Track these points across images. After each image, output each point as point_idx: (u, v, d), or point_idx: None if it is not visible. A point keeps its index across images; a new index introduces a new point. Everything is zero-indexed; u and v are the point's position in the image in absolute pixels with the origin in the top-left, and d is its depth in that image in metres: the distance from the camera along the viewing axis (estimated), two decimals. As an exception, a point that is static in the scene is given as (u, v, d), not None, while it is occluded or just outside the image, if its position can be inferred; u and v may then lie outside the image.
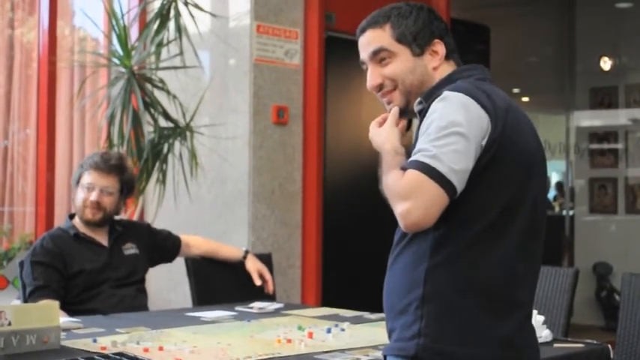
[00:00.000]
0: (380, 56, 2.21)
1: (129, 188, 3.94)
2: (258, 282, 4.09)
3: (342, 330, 3.10)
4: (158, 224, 4.40)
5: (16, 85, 5.81)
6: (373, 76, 2.22)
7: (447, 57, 2.23)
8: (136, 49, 4.90)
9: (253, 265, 4.13)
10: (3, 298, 5.20)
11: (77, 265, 3.73)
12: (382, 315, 2.19)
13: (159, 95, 4.97)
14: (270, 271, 4.21)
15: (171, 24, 4.91)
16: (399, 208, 1.94)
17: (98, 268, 3.76)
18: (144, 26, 5.13)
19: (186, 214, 5.34)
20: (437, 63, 2.20)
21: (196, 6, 4.97)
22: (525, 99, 9.90)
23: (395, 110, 2.20)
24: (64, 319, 3.10)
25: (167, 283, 5.38)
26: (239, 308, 3.66)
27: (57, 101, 5.61)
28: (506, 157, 2.02)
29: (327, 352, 2.70)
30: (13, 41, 5.87)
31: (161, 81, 4.97)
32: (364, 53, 2.25)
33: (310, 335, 2.95)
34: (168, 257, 4.14)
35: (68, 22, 6.04)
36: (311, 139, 5.49)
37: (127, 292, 3.80)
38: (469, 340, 2.00)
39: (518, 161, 2.05)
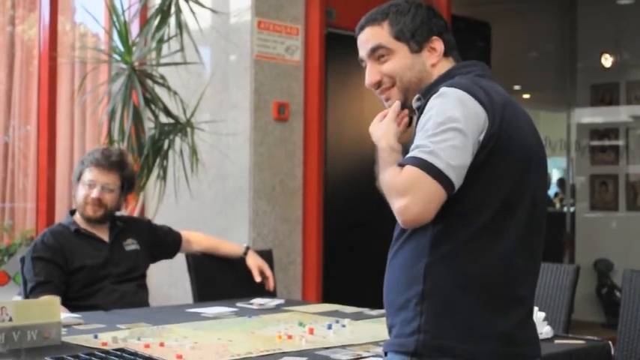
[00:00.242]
0: (378, 53, 2.21)
1: (130, 184, 3.95)
2: (258, 278, 4.09)
3: (343, 326, 3.10)
4: (159, 220, 4.40)
5: (16, 82, 5.81)
6: (371, 74, 2.23)
7: (446, 54, 2.23)
8: (136, 45, 4.90)
9: (254, 262, 4.13)
10: (4, 294, 5.20)
11: (78, 260, 3.73)
12: (383, 311, 2.19)
13: (159, 91, 4.97)
14: (271, 267, 4.21)
15: (172, 20, 4.90)
16: (397, 204, 1.94)
17: (99, 264, 3.76)
18: (144, 22, 5.13)
19: (186, 210, 5.35)
20: (435, 60, 2.21)
21: (197, 2, 4.97)
22: (526, 96, 9.89)
23: (396, 105, 2.21)
24: (65, 315, 3.10)
25: (168, 279, 5.38)
26: (240, 304, 3.66)
27: (58, 97, 5.61)
28: (504, 153, 2.02)
29: (327, 348, 2.71)
30: (14, 38, 5.87)
31: (162, 77, 4.96)
32: (363, 51, 2.26)
33: (311, 331, 2.95)
34: (169, 253, 4.14)
35: (69, 18, 6.04)
36: (312, 136, 5.49)
37: (128, 287, 3.80)
38: (469, 336, 2.00)
39: (517, 157, 2.05)
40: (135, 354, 2.46)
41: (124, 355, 2.45)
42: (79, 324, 3.09)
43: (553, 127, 9.52)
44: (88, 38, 6.19)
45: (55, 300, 2.89)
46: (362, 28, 2.26)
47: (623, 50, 8.61)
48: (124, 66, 4.85)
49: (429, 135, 1.96)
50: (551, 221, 8.91)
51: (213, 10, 5.14)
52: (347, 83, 5.81)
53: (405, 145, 2.09)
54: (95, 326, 3.05)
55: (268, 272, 4.14)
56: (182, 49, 4.88)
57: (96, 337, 2.81)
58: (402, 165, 1.97)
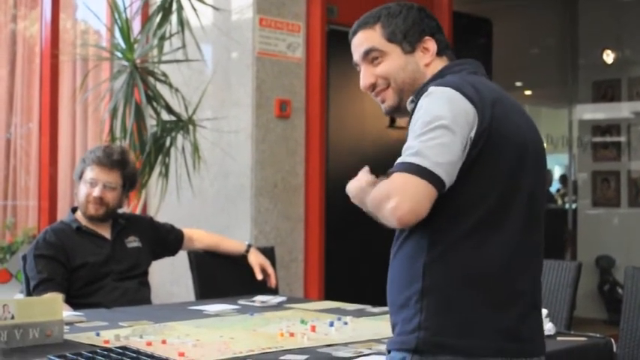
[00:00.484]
0: (372, 56, 2.24)
1: (131, 182, 3.95)
2: (259, 276, 4.09)
3: (345, 323, 3.10)
4: (161, 218, 4.40)
5: (18, 79, 5.81)
6: (366, 76, 2.26)
7: (440, 53, 2.25)
8: (138, 43, 4.90)
9: (256, 259, 4.13)
10: (6, 292, 5.21)
11: (80, 258, 3.74)
12: (385, 308, 2.20)
13: (161, 89, 4.97)
14: (273, 264, 4.21)
15: (174, 17, 4.90)
16: (387, 207, 1.94)
17: (101, 261, 3.76)
18: (146, 19, 5.13)
19: (188, 207, 5.35)
20: (428, 59, 2.23)
21: (199, -1, 4.97)
22: (528, 92, 9.89)
23: (365, 168, 2.23)
24: (67, 313, 3.10)
25: (170, 276, 5.38)
26: (242, 302, 3.67)
27: (59, 95, 5.61)
28: (496, 149, 2.03)
29: (329, 345, 2.71)
30: (15, 35, 5.87)
31: (163, 74, 4.96)
32: (356, 54, 2.28)
33: (313, 329, 2.96)
34: (171, 251, 4.14)
35: (70, 16, 6.04)
36: (313, 133, 5.49)
37: (130, 285, 3.81)
38: (469, 331, 2.01)
39: (510, 152, 2.06)
40: (137, 352, 2.46)
41: (126, 352, 2.45)
42: (81, 322, 3.09)
43: (555, 124, 9.52)
44: (89, 35, 6.19)
45: (57, 298, 2.89)
46: (355, 33, 2.28)
47: (625, 46, 8.61)
48: (126, 63, 4.85)
49: (417, 135, 1.98)
50: (553, 218, 8.98)
51: (214, 8, 5.14)
52: (349, 80, 5.80)
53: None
54: (97, 324, 3.05)
55: (270, 270, 4.14)
56: (184, 47, 4.89)
57: (98, 334, 2.81)
58: (390, 174, 1.98)
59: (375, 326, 3.06)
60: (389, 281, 2.14)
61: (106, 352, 2.45)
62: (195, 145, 4.88)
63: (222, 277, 4.14)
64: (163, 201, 4.95)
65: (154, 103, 4.88)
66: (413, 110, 2.11)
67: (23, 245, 5.43)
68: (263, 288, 4.05)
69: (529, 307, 2.11)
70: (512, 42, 8.58)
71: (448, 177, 1.95)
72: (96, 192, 3.78)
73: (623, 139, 8.48)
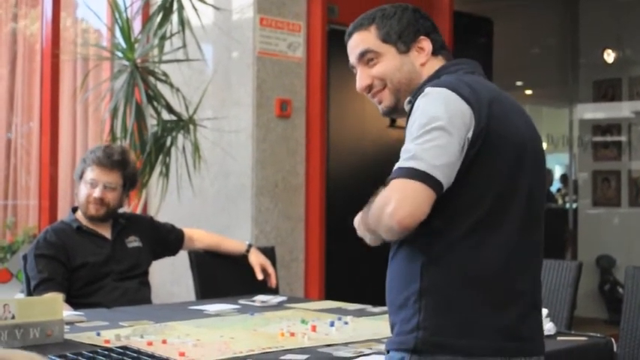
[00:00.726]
0: (367, 57, 2.25)
1: (132, 182, 3.95)
2: (260, 276, 4.09)
3: (346, 323, 3.10)
4: (161, 217, 4.41)
5: (19, 78, 5.81)
6: (362, 78, 2.27)
7: (436, 53, 2.25)
8: (139, 42, 4.90)
9: (256, 259, 4.13)
10: (7, 292, 5.21)
11: (80, 258, 3.74)
12: (385, 308, 2.20)
13: (162, 88, 4.97)
14: (273, 264, 4.21)
15: (175, 17, 4.90)
16: (386, 212, 1.93)
17: (101, 261, 3.76)
18: (147, 19, 5.13)
19: (189, 207, 5.35)
20: (424, 59, 2.23)
21: (199, -1, 4.97)
22: (529, 92, 9.89)
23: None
24: (67, 313, 3.10)
25: (170, 276, 5.38)
26: (242, 302, 3.66)
27: (60, 94, 5.60)
28: (494, 149, 2.03)
29: (330, 345, 2.71)
30: (16, 34, 5.87)
31: (164, 74, 4.96)
32: (352, 56, 2.29)
33: (313, 328, 2.96)
34: (172, 250, 4.14)
35: (71, 15, 6.03)
36: (314, 132, 5.49)
37: (130, 285, 3.81)
38: (468, 331, 2.01)
39: (508, 152, 2.06)
40: (137, 351, 2.46)
41: (126, 352, 2.45)
42: (81, 321, 3.09)
43: (555, 123, 9.52)
44: (90, 35, 6.19)
45: (57, 297, 2.89)
46: (350, 35, 2.30)
47: (626, 46, 8.60)
48: (127, 63, 4.85)
49: (413, 137, 1.98)
50: (554, 217, 8.98)
51: (215, 7, 5.14)
52: (349, 80, 5.76)
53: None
54: (98, 324, 3.05)
55: (270, 270, 4.14)
56: (184, 46, 4.89)
57: (98, 334, 2.81)
58: (388, 182, 1.98)
59: (376, 326, 3.06)
60: (388, 281, 2.15)
61: (106, 352, 2.45)
62: (195, 144, 4.88)
63: (223, 277, 4.14)
64: (164, 201, 4.95)
65: (155, 103, 4.88)
66: (410, 111, 2.11)
67: (24, 245, 5.43)
68: (263, 288, 4.06)
69: (529, 306, 2.11)
70: (512, 42, 8.58)
71: (446, 179, 1.95)
72: (96, 193, 3.78)
73: (623, 138, 8.48)
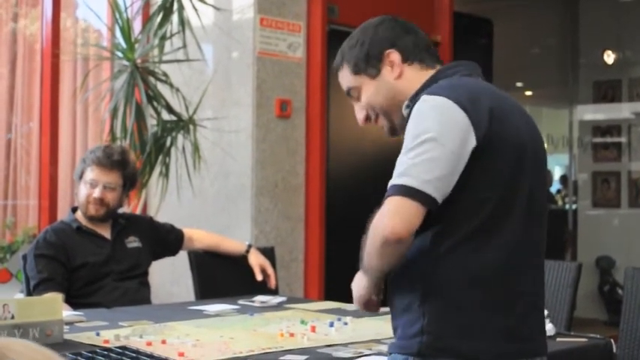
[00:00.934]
0: (352, 94, 2.29)
1: (131, 182, 3.95)
2: (259, 277, 4.09)
3: (345, 324, 3.10)
4: (161, 218, 4.40)
5: (19, 79, 5.81)
6: (358, 112, 2.30)
7: (410, 59, 2.22)
8: (139, 42, 4.90)
9: (256, 260, 4.13)
10: (6, 292, 5.21)
11: (80, 258, 3.73)
12: (385, 309, 2.20)
13: (162, 88, 4.97)
14: (273, 264, 4.21)
15: (175, 17, 4.90)
16: (378, 231, 1.97)
17: (101, 261, 3.76)
18: (147, 19, 5.13)
19: (189, 207, 5.35)
20: (397, 71, 2.22)
21: (199, -1, 4.97)
22: (529, 93, 9.89)
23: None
24: (67, 313, 3.10)
25: (170, 276, 5.38)
26: (242, 302, 3.66)
27: (60, 94, 5.60)
28: (495, 153, 2.03)
29: (329, 345, 2.71)
30: (16, 34, 5.87)
31: (164, 74, 4.96)
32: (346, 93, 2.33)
33: (313, 329, 2.96)
34: (171, 251, 4.14)
35: (71, 15, 6.03)
36: (314, 133, 5.49)
37: (130, 285, 3.81)
38: (472, 334, 2.01)
39: (508, 154, 2.05)
40: (137, 352, 2.47)
41: (126, 352, 2.45)
42: (81, 321, 3.09)
43: (555, 124, 9.52)
44: (90, 35, 6.18)
45: (57, 297, 2.89)
46: (337, 73, 2.35)
47: (626, 47, 8.61)
48: (127, 63, 4.85)
49: (407, 150, 2.00)
50: (553, 218, 8.96)
51: (215, 7, 5.14)
52: (349, 80, 5.79)
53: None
54: (97, 324, 3.05)
55: (270, 270, 4.14)
56: (184, 46, 4.88)
57: (98, 334, 2.81)
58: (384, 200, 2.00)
59: (376, 327, 3.06)
60: (391, 285, 2.14)
61: (105, 352, 2.45)
62: (195, 144, 4.88)
63: (222, 277, 4.13)
64: (164, 201, 4.95)
65: (155, 103, 4.88)
66: (409, 115, 2.11)
67: (23, 245, 5.43)
68: (263, 288, 4.05)
69: (529, 306, 2.11)
70: (512, 42, 8.58)
71: (438, 192, 1.96)
72: (96, 193, 3.78)
73: (623, 139, 8.48)
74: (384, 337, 2.76)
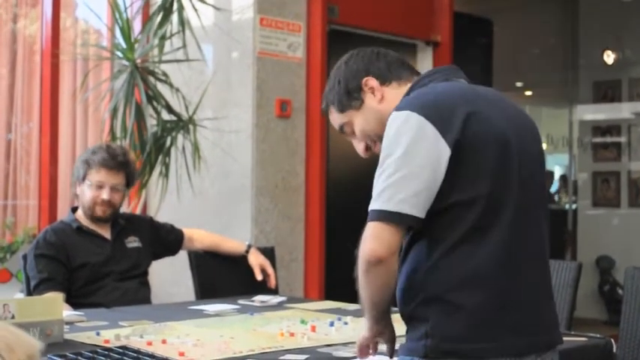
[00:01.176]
0: (345, 131, 2.36)
1: (132, 181, 3.95)
2: (259, 277, 4.09)
3: (345, 323, 3.10)
4: (161, 218, 4.40)
5: (19, 79, 5.80)
6: (356, 145, 2.37)
7: (386, 81, 2.28)
8: (139, 42, 4.90)
9: (256, 260, 4.13)
10: (6, 292, 5.21)
11: (80, 258, 3.73)
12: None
13: (162, 88, 4.97)
14: (273, 264, 4.21)
15: (175, 17, 4.90)
16: (361, 259, 2.03)
17: (101, 261, 3.76)
18: (147, 19, 5.13)
19: (189, 207, 5.35)
20: (378, 96, 2.28)
21: (199, -1, 4.97)
22: (528, 93, 9.90)
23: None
24: (67, 313, 3.10)
25: (170, 276, 5.38)
26: (242, 302, 3.67)
27: (60, 94, 5.60)
28: (475, 154, 2.04)
29: (329, 345, 2.71)
30: (15, 34, 5.87)
31: (164, 74, 4.96)
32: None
33: (313, 329, 2.96)
34: (171, 251, 4.14)
35: (71, 15, 6.03)
36: (314, 133, 5.49)
37: (130, 285, 3.81)
38: (477, 335, 2.02)
39: (490, 152, 2.05)
40: (137, 351, 2.47)
41: (126, 352, 2.45)
42: (81, 321, 3.09)
43: (555, 124, 9.52)
44: (89, 35, 6.18)
45: (57, 297, 2.89)
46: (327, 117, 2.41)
47: (625, 47, 8.61)
48: (127, 63, 4.85)
49: (380, 172, 2.04)
50: (554, 218, 8.91)
51: (215, 7, 5.14)
52: (349, 80, 5.79)
53: None
54: (97, 324, 3.05)
55: (270, 270, 4.14)
56: (184, 46, 4.88)
57: (98, 334, 2.82)
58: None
59: (375, 326, 3.06)
60: (397, 292, 2.16)
61: (106, 352, 2.45)
62: (195, 145, 4.88)
63: (222, 277, 4.13)
64: (163, 201, 4.95)
65: (155, 103, 4.88)
66: None
67: (23, 245, 5.43)
68: (263, 288, 4.05)
69: (536, 298, 2.12)
70: (512, 42, 8.58)
71: (416, 208, 1.99)
72: (105, 195, 3.76)
73: (623, 139, 8.48)
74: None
